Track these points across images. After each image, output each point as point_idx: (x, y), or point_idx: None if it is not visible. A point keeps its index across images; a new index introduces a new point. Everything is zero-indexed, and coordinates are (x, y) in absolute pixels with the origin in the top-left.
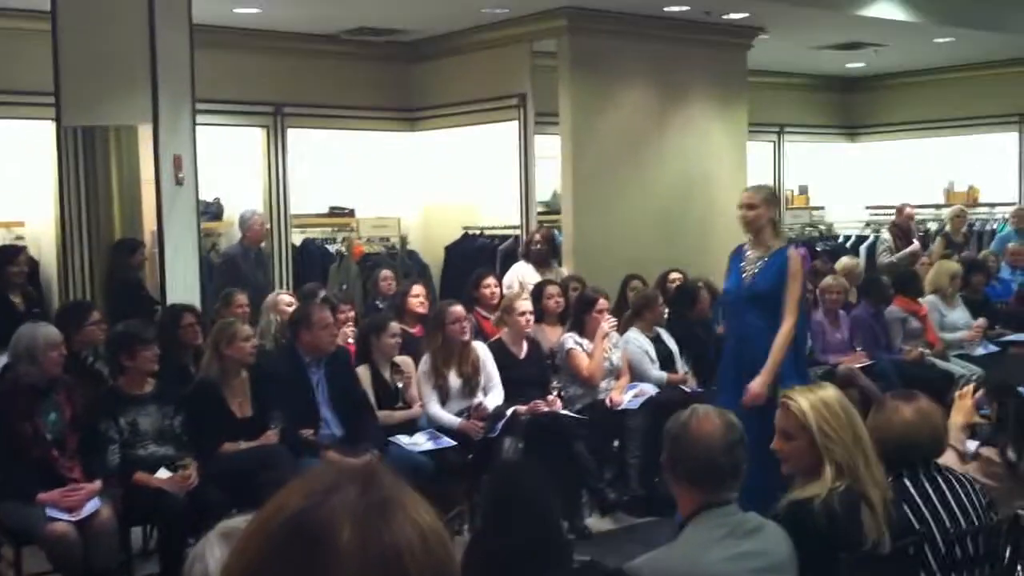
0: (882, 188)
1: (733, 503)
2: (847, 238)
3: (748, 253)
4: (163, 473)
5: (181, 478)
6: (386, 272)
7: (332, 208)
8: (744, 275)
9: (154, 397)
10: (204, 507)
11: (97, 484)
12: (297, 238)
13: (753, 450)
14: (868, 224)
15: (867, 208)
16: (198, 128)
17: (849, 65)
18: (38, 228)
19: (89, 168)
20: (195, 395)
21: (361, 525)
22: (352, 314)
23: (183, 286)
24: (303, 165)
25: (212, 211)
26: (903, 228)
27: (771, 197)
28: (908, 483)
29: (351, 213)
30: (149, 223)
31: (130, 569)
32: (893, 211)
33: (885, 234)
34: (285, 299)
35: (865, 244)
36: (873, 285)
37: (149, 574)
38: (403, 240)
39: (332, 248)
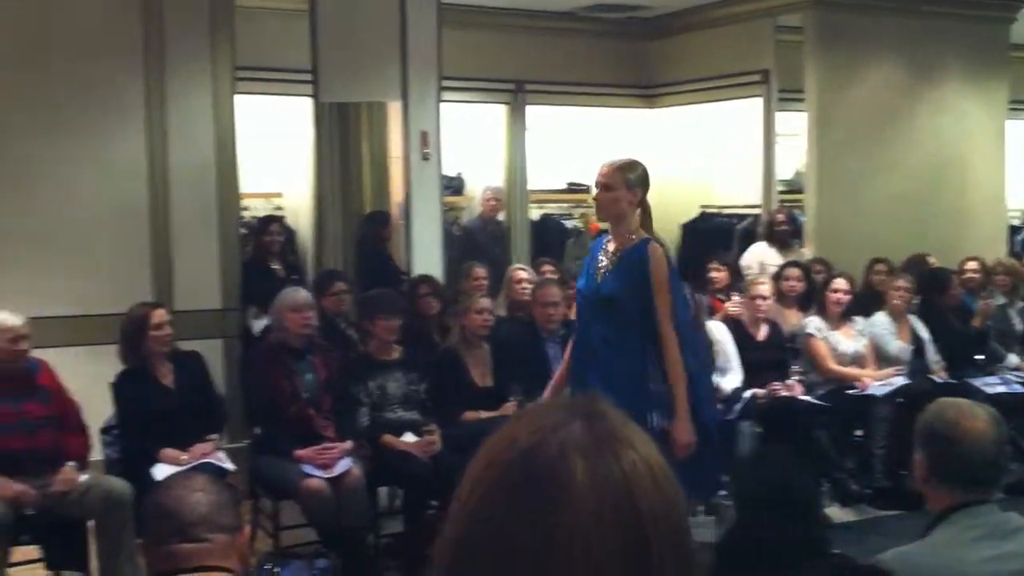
0: None
1: (993, 502)
2: None
3: (607, 245)
4: (409, 437)
5: (426, 443)
6: None
7: (570, 184)
8: (598, 273)
9: (401, 363)
10: (447, 472)
11: (349, 444)
12: (535, 213)
13: None
14: None
15: None
16: (442, 105)
17: None
18: (295, 200)
19: (343, 143)
20: (439, 363)
21: (592, 459)
22: None
23: (427, 258)
24: (542, 141)
25: (454, 186)
26: None
27: (636, 177)
28: None
29: (587, 190)
30: (396, 196)
31: (377, 527)
32: None
33: None
34: (518, 274)
35: None
36: None
37: (394, 533)
38: None
39: (569, 224)
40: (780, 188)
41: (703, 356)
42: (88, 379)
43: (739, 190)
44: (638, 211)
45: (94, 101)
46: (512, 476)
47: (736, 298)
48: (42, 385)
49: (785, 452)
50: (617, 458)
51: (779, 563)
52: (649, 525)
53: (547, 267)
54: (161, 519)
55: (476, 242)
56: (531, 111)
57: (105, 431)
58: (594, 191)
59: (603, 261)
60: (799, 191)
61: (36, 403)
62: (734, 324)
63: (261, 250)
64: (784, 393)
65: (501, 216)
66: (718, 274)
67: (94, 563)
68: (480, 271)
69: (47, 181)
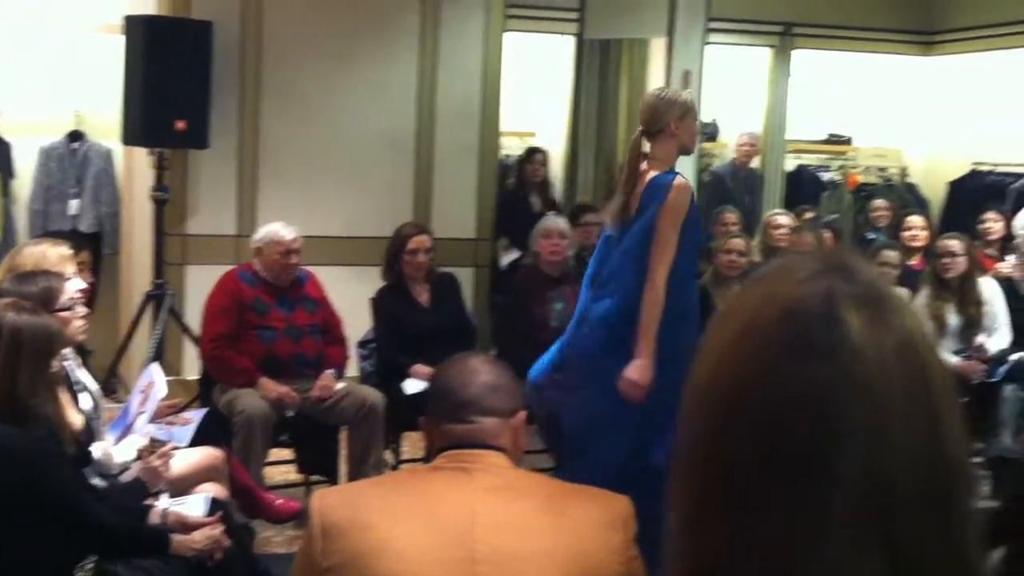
0: None
1: None
2: None
3: None
4: None
5: None
6: (879, 202)
7: (830, 135)
8: None
9: None
10: None
11: None
12: (791, 163)
13: None
14: None
15: None
16: (707, 47)
17: None
18: (547, 140)
19: (602, 81)
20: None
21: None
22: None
23: None
24: (804, 89)
25: (708, 132)
26: None
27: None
28: None
29: (848, 141)
30: None
31: None
32: None
33: None
34: (776, 220)
35: None
36: None
37: None
38: (903, 172)
39: (825, 176)
40: None
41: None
42: (350, 297)
43: (1018, 148)
44: None
45: (372, 31)
46: (779, 335)
47: (1009, 259)
48: (309, 295)
49: None
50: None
51: None
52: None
53: (808, 215)
54: (436, 399)
55: (726, 188)
56: (796, 56)
57: (362, 344)
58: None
59: None
60: None
61: (303, 311)
62: (1005, 283)
63: (523, 180)
64: None
65: (755, 164)
66: (995, 224)
67: (342, 470)
68: (731, 216)
69: (325, 106)
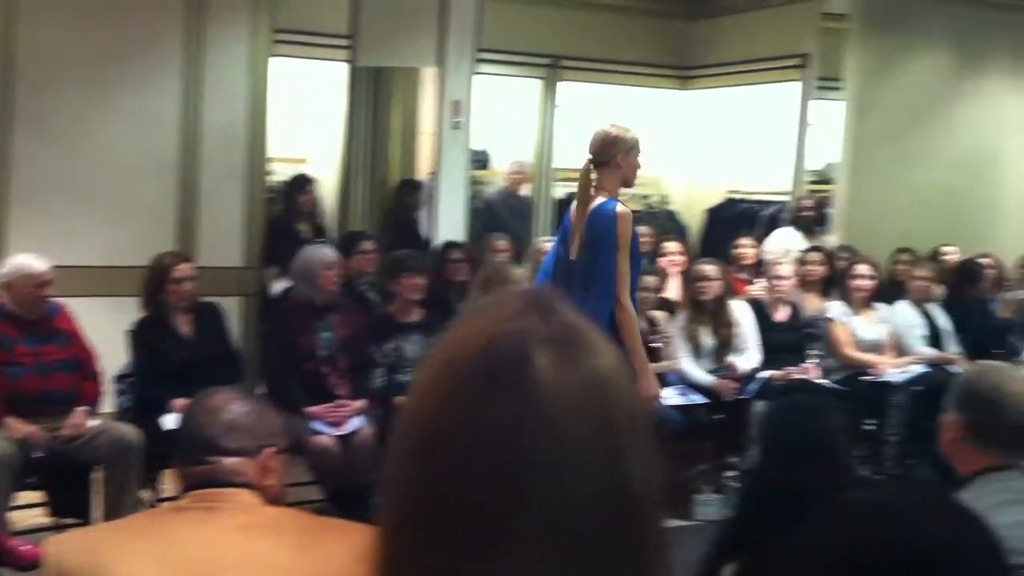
0: None
1: (1019, 468)
2: None
3: None
4: None
5: None
6: (642, 229)
7: None
8: None
9: (420, 327)
10: None
11: (362, 403)
12: (560, 191)
13: None
14: None
15: None
16: (477, 77)
17: None
18: (319, 165)
19: (375, 108)
20: None
21: (556, 349)
22: None
23: (451, 228)
24: (570, 119)
25: (480, 160)
26: None
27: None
28: None
29: None
30: (423, 165)
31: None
32: None
33: None
34: (546, 247)
35: None
36: None
37: None
38: (664, 200)
39: None
40: (809, 179)
41: None
42: (109, 329)
43: (768, 177)
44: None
45: (133, 55)
46: (473, 371)
47: (759, 282)
48: (60, 329)
49: (815, 401)
50: (580, 352)
51: (800, 509)
52: (621, 419)
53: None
54: (180, 439)
55: (496, 215)
56: (562, 88)
57: (119, 379)
58: None
59: None
60: (827, 181)
61: (53, 346)
62: (755, 305)
63: (293, 210)
64: (799, 376)
65: (525, 191)
66: (748, 249)
67: (96, 512)
68: (502, 243)
69: (81, 132)
